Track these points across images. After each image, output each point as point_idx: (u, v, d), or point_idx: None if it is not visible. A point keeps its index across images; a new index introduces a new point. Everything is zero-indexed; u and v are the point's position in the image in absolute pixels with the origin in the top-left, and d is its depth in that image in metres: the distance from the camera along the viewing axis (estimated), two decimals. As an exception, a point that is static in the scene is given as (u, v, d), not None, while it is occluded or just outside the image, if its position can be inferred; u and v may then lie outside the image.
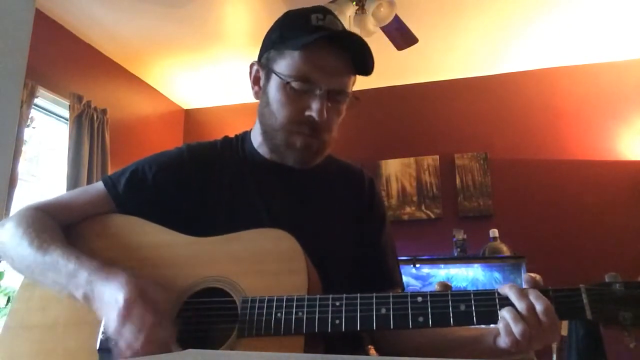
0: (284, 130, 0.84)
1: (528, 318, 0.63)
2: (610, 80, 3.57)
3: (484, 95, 3.85)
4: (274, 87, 0.85)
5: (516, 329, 0.62)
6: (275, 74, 0.84)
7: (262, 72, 0.89)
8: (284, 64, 0.83)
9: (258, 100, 0.90)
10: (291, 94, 0.82)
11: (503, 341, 0.64)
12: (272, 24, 0.92)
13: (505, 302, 0.65)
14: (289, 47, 0.82)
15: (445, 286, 3.18)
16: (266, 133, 0.88)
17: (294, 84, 0.81)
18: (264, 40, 0.91)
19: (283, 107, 0.83)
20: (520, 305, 0.63)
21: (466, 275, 3.49)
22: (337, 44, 0.82)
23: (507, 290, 0.65)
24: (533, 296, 0.64)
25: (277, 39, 0.85)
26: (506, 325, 0.64)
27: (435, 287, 3.28)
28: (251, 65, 0.92)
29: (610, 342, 2.20)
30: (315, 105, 0.82)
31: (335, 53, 0.82)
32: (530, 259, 3.16)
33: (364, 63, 0.84)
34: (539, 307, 0.63)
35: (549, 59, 3.61)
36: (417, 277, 3.53)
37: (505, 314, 0.64)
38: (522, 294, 0.64)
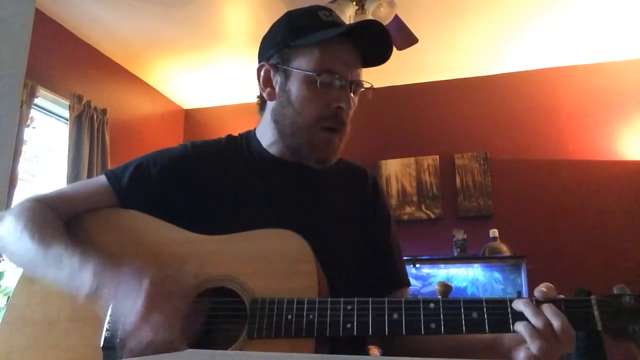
0: (309, 127, 0.84)
1: (545, 335, 0.62)
2: (610, 80, 3.57)
3: (484, 95, 3.85)
4: (296, 85, 0.84)
5: (534, 346, 0.62)
6: (297, 71, 0.83)
7: (277, 72, 0.87)
8: (304, 61, 0.83)
9: (272, 101, 0.89)
10: (317, 89, 0.82)
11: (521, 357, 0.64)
12: (271, 24, 0.91)
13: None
14: (308, 43, 0.83)
15: (445, 286, 3.17)
16: (284, 133, 0.87)
17: (321, 78, 0.81)
18: (267, 41, 0.90)
19: (309, 102, 0.83)
20: (537, 322, 0.63)
21: (466, 275, 3.49)
22: (352, 37, 0.84)
23: (522, 307, 0.64)
24: (549, 312, 0.63)
25: (289, 37, 0.85)
26: (525, 343, 0.63)
27: (435, 287, 3.28)
28: (259, 68, 0.90)
29: (610, 344, 2.20)
30: (342, 96, 0.83)
31: (352, 46, 0.84)
32: (530, 259, 3.16)
33: (382, 51, 0.86)
34: (556, 325, 0.62)
35: (549, 59, 3.61)
36: (417, 277, 3.52)
37: (521, 328, 0.63)
38: (538, 311, 0.64)
